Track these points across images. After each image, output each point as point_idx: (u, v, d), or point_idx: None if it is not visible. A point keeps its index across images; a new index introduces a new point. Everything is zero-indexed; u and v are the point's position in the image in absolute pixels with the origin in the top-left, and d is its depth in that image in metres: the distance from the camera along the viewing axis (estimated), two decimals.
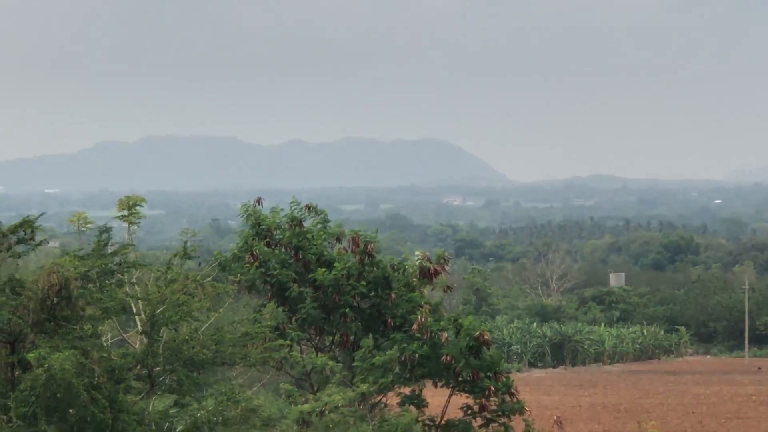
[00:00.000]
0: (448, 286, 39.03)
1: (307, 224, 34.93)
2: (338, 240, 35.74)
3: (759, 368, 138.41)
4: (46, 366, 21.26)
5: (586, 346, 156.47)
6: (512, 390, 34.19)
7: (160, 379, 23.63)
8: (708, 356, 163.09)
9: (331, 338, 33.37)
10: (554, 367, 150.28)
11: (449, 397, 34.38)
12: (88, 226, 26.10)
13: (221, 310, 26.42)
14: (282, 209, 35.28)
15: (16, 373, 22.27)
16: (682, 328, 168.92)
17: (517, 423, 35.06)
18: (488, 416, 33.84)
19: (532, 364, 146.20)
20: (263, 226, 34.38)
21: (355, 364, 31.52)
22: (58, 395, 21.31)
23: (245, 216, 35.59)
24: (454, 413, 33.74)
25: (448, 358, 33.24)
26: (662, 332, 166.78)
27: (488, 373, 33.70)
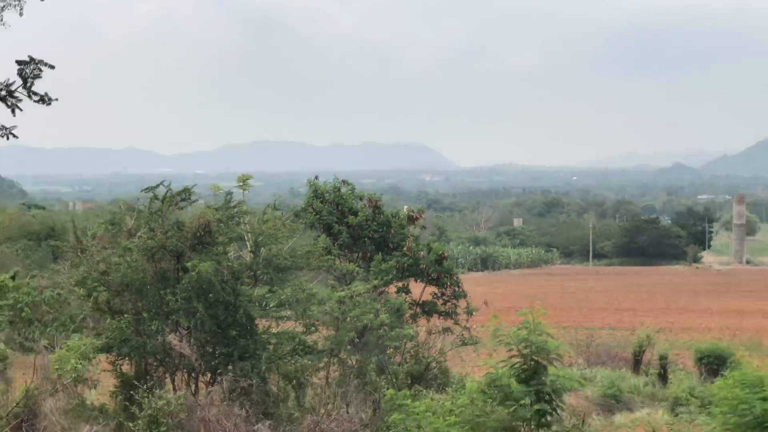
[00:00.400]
0: (423, 226, 39.28)
1: (343, 191, 35.20)
2: (360, 199, 35.87)
3: (597, 272, 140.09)
4: (196, 270, 21.53)
5: (500, 260, 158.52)
6: (459, 284, 34.59)
7: (260, 277, 24.03)
8: (569, 265, 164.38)
9: (356, 255, 33.84)
10: (482, 271, 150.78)
11: (423, 288, 34.59)
12: (220, 191, 26.37)
13: (294, 238, 26.59)
14: (329, 182, 35.50)
15: (180, 274, 22.62)
16: (554, 249, 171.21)
17: (461, 302, 35.36)
18: (446, 299, 34.23)
19: (470, 270, 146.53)
20: (319, 192, 34.58)
21: (370, 269, 31.76)
22: (203, 286, 21.67)
23: (309, 186, 35.97)
24: (427, 297, 34.11)
25: (424, 266, 33.59)
26: (543, 251, 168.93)
27: (446, 275, 34.14)
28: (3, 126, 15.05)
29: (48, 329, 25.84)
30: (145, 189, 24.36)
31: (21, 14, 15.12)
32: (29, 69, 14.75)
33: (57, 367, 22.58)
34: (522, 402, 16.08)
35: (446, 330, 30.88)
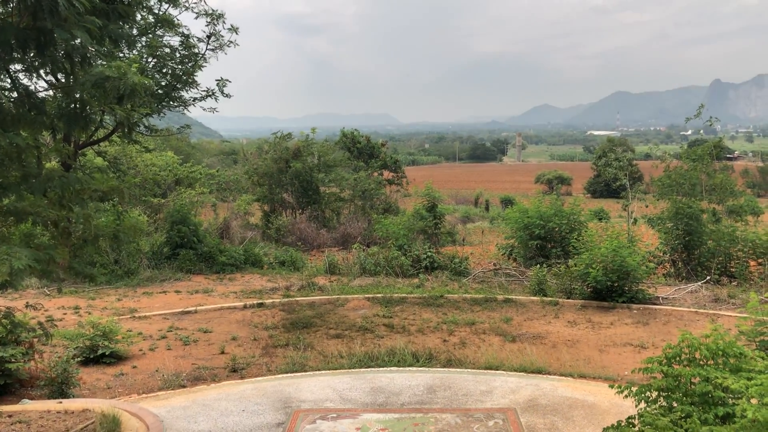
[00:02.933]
0: (387, 147, 34.24)
1: (355, 134, 29.01)
2: (368, 140, 29.32)
3: (460, 166, 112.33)
4: (293, 167, 20.92)
5: (420, 161, 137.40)
6: (403, 171, 28.87)
7: (321, 169, 22.03)
8: (450, 162, 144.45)
9: (360, 160, 27.30)
10: (412, 165, 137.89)
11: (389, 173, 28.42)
12: (303, 134, 23.18)
13: (335, 153, 23.99)
14: (349, 130, 29.08)
15: (288, 168, 21.51)
16: (442, 157, 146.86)
17: (403, 180, 28.68)
18: (398, 177, 28.26)
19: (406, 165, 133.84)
20: (346, 135, 28.66)
21: (369, 165, 26.92)
22: (297, 173, 21.09)
23: (341, 132, 29.28)
24: (388, 176, 28.32)
25: (389, 164, 28.36)
26: (437, 157, 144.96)
27: (398, 167, 28.86)
28: (212, 108, 15.06)
29: (232, 192, 25.11)
30: (273, 133, 23.46)
31: None
32: (222, 82, 14.76)
33: (237, 207, 22.32)
34: (427, 217, 16.96)
35: (398, 190, 28.30)
